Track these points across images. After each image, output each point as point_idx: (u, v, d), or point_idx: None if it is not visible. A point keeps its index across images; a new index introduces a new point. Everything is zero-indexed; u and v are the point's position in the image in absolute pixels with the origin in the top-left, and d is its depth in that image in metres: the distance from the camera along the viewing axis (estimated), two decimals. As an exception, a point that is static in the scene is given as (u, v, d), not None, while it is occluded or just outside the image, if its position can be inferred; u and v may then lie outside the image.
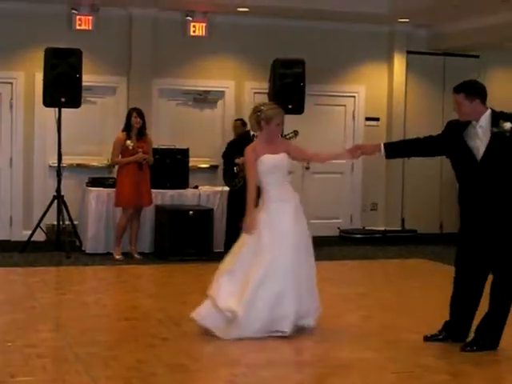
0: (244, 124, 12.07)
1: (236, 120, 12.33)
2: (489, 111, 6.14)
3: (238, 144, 11.00)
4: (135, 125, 10.47)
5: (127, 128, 10.52)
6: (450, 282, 6.39)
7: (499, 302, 6.16)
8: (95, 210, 10.74)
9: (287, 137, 10.90)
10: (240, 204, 10.65)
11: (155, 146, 10.97)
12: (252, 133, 10.84)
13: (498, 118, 6.09)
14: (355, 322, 7.24)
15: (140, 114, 10.52)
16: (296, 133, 10.90)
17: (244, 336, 6.34)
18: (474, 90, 6.23)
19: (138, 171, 10.41)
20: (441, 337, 6.45)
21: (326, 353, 6.17)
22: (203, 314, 6.57)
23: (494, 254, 6.17)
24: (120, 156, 10.49)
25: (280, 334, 6.43)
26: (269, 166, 6.70)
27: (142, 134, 10.56)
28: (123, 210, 10.54)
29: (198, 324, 6.58)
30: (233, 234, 10.82)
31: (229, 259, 6.72)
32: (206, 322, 6.53)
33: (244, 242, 6.67)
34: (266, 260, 6.47)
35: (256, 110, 6.78)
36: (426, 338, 6.49)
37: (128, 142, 10.37)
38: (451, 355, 6.10)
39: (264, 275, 6.44)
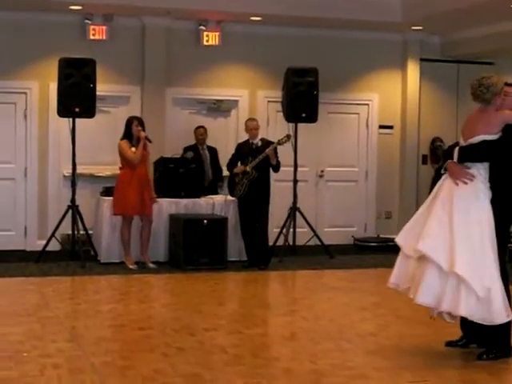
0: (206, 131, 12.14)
1: (198, 127, 12.27)
2: None
3: (237, 154, 10.98)
4: (136, 133, 10.44)
5: (128, 136, 10.49)
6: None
7: None
8: (109, 220, 10.74)
9: (280, 142, 10.80)
10: (250, 212, 10.69)
11: (169, 156, 10.94)
12: (251, 141, 10.82)
13: None
14: (371, 331, 7.23)
15: (141, 123, 10.52)
16: (289, 137, 10.85)
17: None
18: None
19: (141, 180, 10.37)
20: (461, 343, 6.44)
21: (341, 362, 6.15)
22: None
23: None
24: (121, 165, 10.51)
25: None
26: None
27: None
28: (124, 218, 10.50)
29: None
30: (250, 241, 10.79)
31: None
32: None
33: None
34: None
35: (488, 85, 6.34)
36: (448, 344, 6.50)
37: (133, 149, 10.37)
38: (466, 364, 6.08)
39: None
